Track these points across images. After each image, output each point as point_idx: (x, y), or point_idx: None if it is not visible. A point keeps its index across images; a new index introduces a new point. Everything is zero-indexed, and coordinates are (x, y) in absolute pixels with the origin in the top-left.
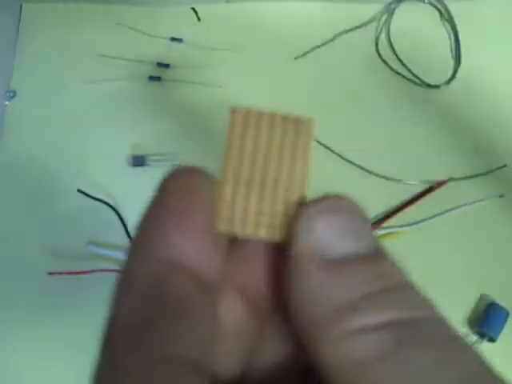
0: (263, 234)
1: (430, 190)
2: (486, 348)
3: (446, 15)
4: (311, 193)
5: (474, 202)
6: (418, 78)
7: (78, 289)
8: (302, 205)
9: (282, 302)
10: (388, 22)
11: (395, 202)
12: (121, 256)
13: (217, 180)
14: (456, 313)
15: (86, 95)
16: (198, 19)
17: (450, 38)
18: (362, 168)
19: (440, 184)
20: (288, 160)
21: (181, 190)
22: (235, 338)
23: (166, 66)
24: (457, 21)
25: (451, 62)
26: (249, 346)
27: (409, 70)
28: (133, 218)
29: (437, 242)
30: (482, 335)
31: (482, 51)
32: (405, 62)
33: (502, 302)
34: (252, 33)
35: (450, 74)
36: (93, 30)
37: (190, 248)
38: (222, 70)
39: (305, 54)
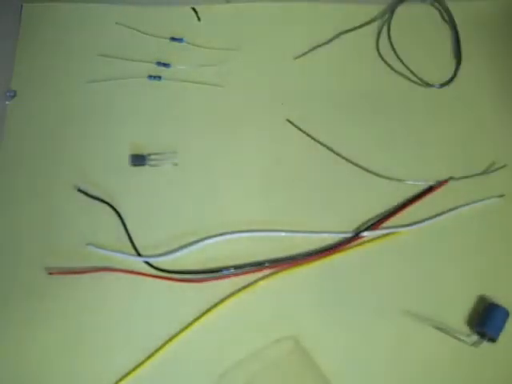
0: None
1: (430, 189)
2: (486, 348)
3: (445, 15)
4: (313, 192)
5: (474, 202)
6: (418, 78)
7: (77, 288)
8: None
9: None
10: (388, 22)
11: (395, 201)
12: (120, 256)
13: None
14: (456, 313)
15: (86, 95)
16: (198, 19)
17: (450, 38)
18: (362, 168)
19: (440, 184)
20: None
21: None
22: None
23: (166, 65)
24: (457, 21)
25: (451, 62)
26: None
27: (409, 70)
28: (133, 218)
29: (437, 241)
30: (482, 335)
31: (482, 51)
32: (405, 61)
33: (502, 302)
34: (252, 33)
35: (450, 74)
36: (93, 30)
37: None
38: (222, 70)
39: (305, 54)
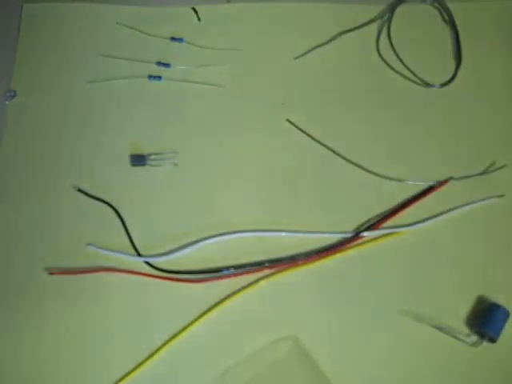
0: None
1: (430, 189)
2: (486, 348)
3: (445, 15)
4: (313, 192)
5: (474, 202)
6: (418, 78)
7: (77, 288)
8: None
9: None
10: (388, 22)
11: (395, 201)
12: (120, 256)
13: None
14: (456, 313)
15: (86, 95)
16: (198, 19)
17: (450, 38)
18: (362, 168)
19: (440, 184)
20: None
21: None
22: None
23: (166, 65)
24: (457, 21)
25: (451, 62)
26: None
27: (409, 70)
28: (133, 218)
29: (437, 241)
30: (481, 335)
31: (482, 51)
32: (405, 61)
33: (502, 302)
34: (252, 33)
35: (450, 74)
36: (93, 30)
37: None
38: (222, 70)
39: (305, 53)
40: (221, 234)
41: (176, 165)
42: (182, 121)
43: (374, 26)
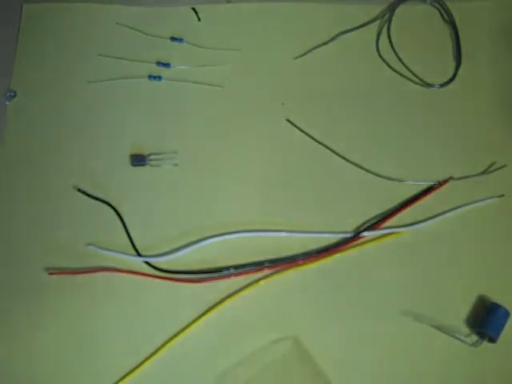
0: None
1: (430, 189)
2: (486, 348)
3: (446, 15)
4: (313, 192)
5: (474, 202)
6: (418, 78)
7: (77, 288)
8: None
9: None
10: (388, 22)
11: (395, 201)
12: (120, 256)
13: None
14: (456, 313)
15: (86, 95)
16: (198, 19)
17: (450, 37)
18: (362, 168)
19: (440, 184)
20: None
21: None
22: None
23: (166, 65)
24: (457, 21)
25: (451, 62)
26: None
27: (409, 70)
28: (133, 218)
29: (437, 241)
30: (481, 335)
31: (482, 51)
32: (405, 61)
33: (502, 302)
34: (252, 33)
35: (450, 74)
36: (93, 30)
37: None
38: (222, 70)
39: (305, 54)
40: (221, 234)
41: (176, 165)
42: (182, 121)
43: (374, 26)
